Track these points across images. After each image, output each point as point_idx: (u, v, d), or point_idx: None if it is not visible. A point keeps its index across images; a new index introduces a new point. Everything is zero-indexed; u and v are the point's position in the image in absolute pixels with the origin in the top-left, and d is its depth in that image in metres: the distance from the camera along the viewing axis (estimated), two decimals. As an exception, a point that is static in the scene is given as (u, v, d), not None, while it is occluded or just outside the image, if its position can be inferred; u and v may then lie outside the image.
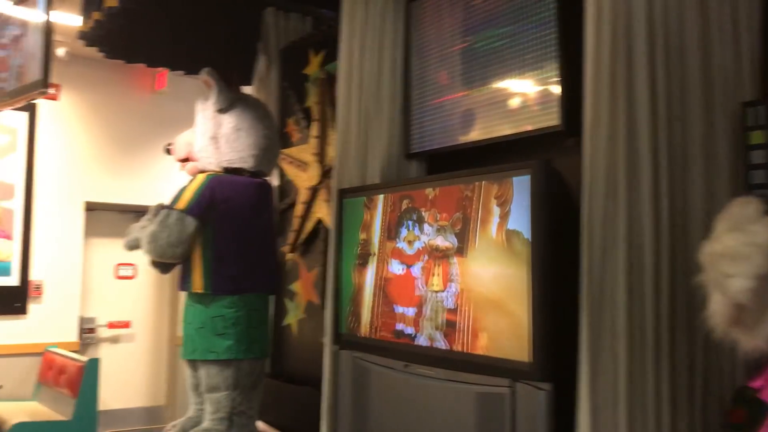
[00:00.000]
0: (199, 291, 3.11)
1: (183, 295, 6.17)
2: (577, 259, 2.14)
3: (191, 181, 3.18)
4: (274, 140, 3.33)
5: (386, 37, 3.18)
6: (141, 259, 6.30)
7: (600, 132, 2.12)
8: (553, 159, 2.32)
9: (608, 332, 2.05)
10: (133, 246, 3.29)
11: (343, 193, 3.10)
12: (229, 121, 3.19)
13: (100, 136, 5.97)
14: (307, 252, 3.92)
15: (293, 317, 3.99)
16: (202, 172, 3.25)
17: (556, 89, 2.51)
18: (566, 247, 2.21)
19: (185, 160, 3.37)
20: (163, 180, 6.22)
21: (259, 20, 4.23)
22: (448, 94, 3.03)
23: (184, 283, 3.19)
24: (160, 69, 5.94)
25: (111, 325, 6.11)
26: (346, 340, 2.99)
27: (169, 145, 3.48)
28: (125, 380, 6.09)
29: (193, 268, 3.13)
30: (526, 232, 2.19)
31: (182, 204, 3.08)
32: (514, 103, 2.70)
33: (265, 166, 3.30)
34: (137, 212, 6.30)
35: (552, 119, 2.52)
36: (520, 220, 2.22)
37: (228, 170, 3.20)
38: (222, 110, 3.20)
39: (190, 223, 3.05)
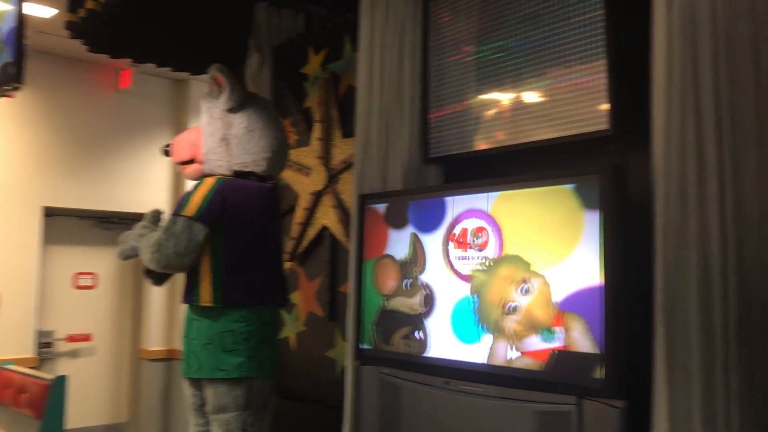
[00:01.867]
0: (208, 304, 2.86)
1: (146, 306, 5.96)
2: (642, 267, 2.06)
3: (198, 185, 2.92)
4: (285, 143, 3.12)
5: (406, 37, 3.04)
6: (101, 268, 6.03)
7: (672, 136, 2.04)
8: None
9: (681, 346, 1.97)
10: (129, 255, 3.01)
11: (365, 199, 2.93)
12: (240, 121, 2.95)
13: (59, 136, 5.58)
14: (308, 260, 3.73)
15: (291, 330, 3.78)
16: (206, 175, 3.00)
17: (602, 92, 2.43)
18: (631, 255, 2.13)
19: (188, 162, 3.10)
20: (127, 184, 5.90)
21: (250, 16, 4.02)
22: (468, 97, 2.91)
23: (190, 295, 2.91)
24: (125, 66, 5.62)
25: (70, 339, 5.71)
26: (369, 355, 2.82)
27: (168, 146, 3.18)
28: (86, 397, 5.70)
29: (200, 279, 2.87)
30: (595, 243, 2.09)
31: (191, 210, 2.82)
32: (550, 106, 2.60)
33: (276, 170, 3.08)
34: (99, 218, 5.96)
35: (597, 124, 2.44)
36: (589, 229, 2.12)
37: (238, 174, 2.97)
38: (232, 110, 2.96)
39: (200, 230, 2.80)
